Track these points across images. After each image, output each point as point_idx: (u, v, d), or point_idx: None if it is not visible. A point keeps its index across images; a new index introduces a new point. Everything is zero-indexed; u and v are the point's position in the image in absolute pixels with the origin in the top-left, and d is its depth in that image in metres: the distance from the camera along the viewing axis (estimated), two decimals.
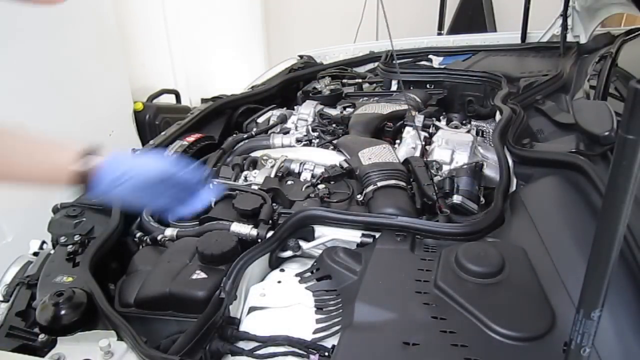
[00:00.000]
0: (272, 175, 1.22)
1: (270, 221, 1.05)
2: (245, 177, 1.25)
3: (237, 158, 1.34)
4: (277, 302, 0.89)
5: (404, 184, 1.14)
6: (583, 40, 1.84)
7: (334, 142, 1.38)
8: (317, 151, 1.35)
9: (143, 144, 1.45)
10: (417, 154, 1.30)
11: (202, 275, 0.90)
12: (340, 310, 0.84)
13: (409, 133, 1.36)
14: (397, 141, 1.38)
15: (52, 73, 2.02)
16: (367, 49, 2.10)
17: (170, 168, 0.84)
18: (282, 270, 0.99)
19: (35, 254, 1.07)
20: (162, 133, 1.46)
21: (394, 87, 1.77)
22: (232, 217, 1.06)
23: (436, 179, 1.17)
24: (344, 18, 3.31)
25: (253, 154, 1.37)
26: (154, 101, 2.73)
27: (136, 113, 2.57)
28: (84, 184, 0.79)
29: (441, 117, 1.48)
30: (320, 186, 1.16)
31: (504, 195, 1.05)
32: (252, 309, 0.89)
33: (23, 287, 0.95)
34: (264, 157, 1.32)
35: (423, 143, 1.33)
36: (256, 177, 1.22)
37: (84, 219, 1.10)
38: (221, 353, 0.81)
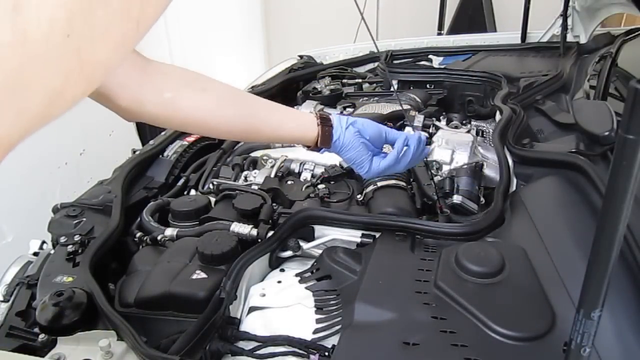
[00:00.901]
0: (272, 175, 1.22)
1: (270, 221, 1.05)
2: (245, 177, 1.25)
3: (237, 158, 1.34)
4: (277, 302, 0.89)
5: (403, 183, 1.14)
6: (583, 40, 1.84)
7: None
8: None
9: (143, 144, 1.45)
10: None
11: (202, 275, 0.90)
12: (340, 310, 0.84)
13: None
14: None
15: None
16: (367, 49, 2.10)
17: (383, 127, 0.96)
18: (282, 270, 0.99)
19: (35, 254, 1.07)
20: (162, 133, 1.46)
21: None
22: (232, 217, 1.06)
23: (436, 179, 1.17)
24: (344, 18, 3.30)
25: (253, 154, 1.37)
26: None
27: None
28: (327, 133, 0.90)
29: (441, 117, 1.48)
30: (320, 186, 1.16)
31: (504, 195, 1.05)
32: (252, 309, 0.89)
33: (23, 287, 0.95)
34: (264, 157, 1.32)
35: None
36: (256, 177, 1.22)
37: (84, 219, 1.09)
38: (221, 353, 0.81)
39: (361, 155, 0.92)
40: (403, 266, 0.89)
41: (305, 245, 1.01)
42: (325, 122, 0.91)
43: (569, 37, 1.86)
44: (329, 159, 1.29)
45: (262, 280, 0.97)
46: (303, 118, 0.92)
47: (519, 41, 2.00)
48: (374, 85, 1.86)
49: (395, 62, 1.95)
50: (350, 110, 1.57)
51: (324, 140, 0.91)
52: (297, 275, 0.95)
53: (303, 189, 1.18)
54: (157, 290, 0.88)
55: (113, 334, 0.80)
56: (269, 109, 0.92)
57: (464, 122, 1.50)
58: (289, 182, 1.22)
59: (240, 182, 1.24)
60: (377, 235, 0.99)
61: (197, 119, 0.84)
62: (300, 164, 1.27)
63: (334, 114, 0.94)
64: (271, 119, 0.91)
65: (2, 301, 0.96)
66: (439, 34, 2.98)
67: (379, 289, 0.84)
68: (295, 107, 1.62)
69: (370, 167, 0.93)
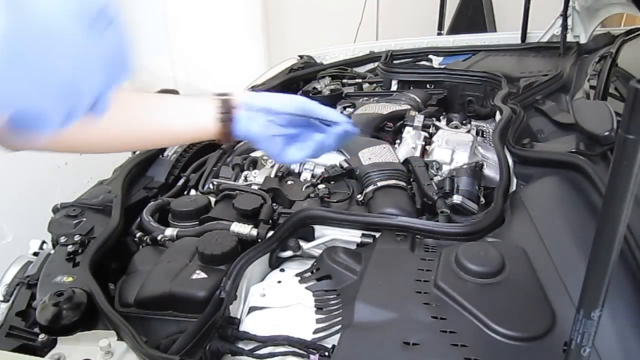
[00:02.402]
0: (272, 175, 1.22)
1: (270, 221, 1.05)
2: (245, 177, 1.25)
3: (237, 158, 1.34)
4: (277, 302, 0.89)
5: (404, 184, 1.14)
6: (583, 40, 1.84)
7: None
8: None
9: None
10: (417, 154, 1.30)
11: (202, 275, 0.90)
12: (341, 310, 0.84)
13: (409, 133, 1.36)
14: (397, 141, 1.38)
15: None
16: (367, 49, 2.10)
17: (308, 102, 0.85)
18: (282, 270, 0.99)
19: (35, 254, 1.07)
20: None
21: (394, 87, 1.77)
22: (232, 217, 1.06)
23: (436, 179, 1.17)
24: (344, 18, 3.30)
25: (253, 154, 1.37)
26: None
27: None
28: (228, 129, 0.80)
29: (441, 117, 1.48)
30: (320, 186, 1.16)
31: (504, 195, 1.05)
32: (252, 309, 0.89)
33: (23, 287, 0.95)
34: (264, 157, 1.32)
35: (423, 143, 1.33)
36: (256, 177, 1.22)
37: (84, 219, 1.09)
38: (221, 353, 0.81)
39: (270, 147, 0.84)
40: (403, 266, 0.89)
41: (305, 245, 1.02)
42: (226, 117, 0.81)
43: (569, 37, 1.86)
44: (329, 159, 1.29)
45: (262, 280, 0.97)
46: (199, 116, 0.81)
47: (519, 41, 2.00)
48: (374, 85, 1.86)
49: (395, 62, 1.95)
50: (350, 110, 1.57)
51: (226, 138, 0.83)
52: (297, 275, 0.95)
53: (303, 189, 1.18)
54: (157, 290, 0.88)
55: (113, 334, 0.80)
56: (156, 111, 0.80)
57: (464, 122, 1.50)
58: (289, 182, 1.22)
59: (240, 182, 1.24)
60: (377, 235, 0.99)
61: (75, 142, 0.73)
62: (300, 164, 1.27)
63: (243, 99, 0.83)
64: (161, 121, 0.80)
65: (2, 301, 0.96)
66: (439, 34, 2.98)
67: (379, 289, 0.84)
68: None
69: (283, 160, 0.87)
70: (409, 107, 1.50)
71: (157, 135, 0.81)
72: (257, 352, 0.79)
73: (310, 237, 1.03)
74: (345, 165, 1.22)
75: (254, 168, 1.29)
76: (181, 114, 0.81)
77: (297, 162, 0.88)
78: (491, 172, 1.20)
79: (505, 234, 0.95)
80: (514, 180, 1.12)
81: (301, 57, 2.10)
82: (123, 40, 0.51)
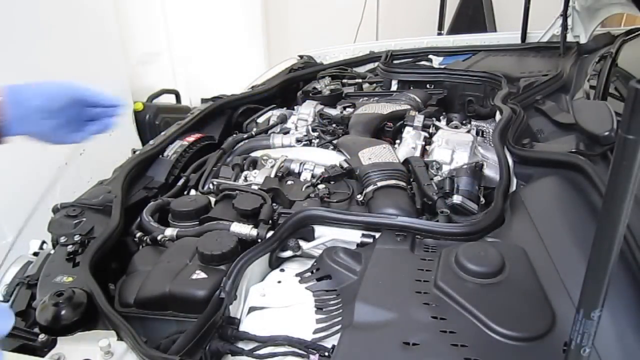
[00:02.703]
0: (272, 175, 1.22)
1: (270, 221, 1.05)
2: (245, 177, 1.25)
3: (237, 158, 1.34)
4: (277, 302, 0.89)
5: (404, 184, 1.14)
6: (583, 40, 1.85)
7: (334, 142, 1.39)
8: (317, 151, 1.35)
9: (143, 144, 1.45)
10: (417, 154, 1.30)
11: (202, 275, 0.90)
12: (340, 310, 0.84)
13: (409, 133, 1.36)
14: (397, 141, 1.38)
15: (51, 74, 2.02)
16: (367, 49, 2.10)
17: (78, 90, 0.84)
18: (282, 270, 0.99)
19: (35, 254, 1.07)
20: (162, 133, 1.46)
21: (394, 87, 1.77)
22: (232, 217, 1.06)
23: (436, 179, 1.17)
24: (344, 18, 3.31)
25: (253, 154, 1.37)
26: (154, 101, 2.74)
27: (136, 113, 2.58)
28: None
29: (441, 117, 1.48)
30: (320, 186, 1.16)
31: (504, 195, 1.05)
32: (252, 309, 0.89)
33: (23, 287, 0.96)
34: (264, 157, 1.32)
35: (423, 143, 1.33)
36: (256, 177, 1.22)
37: (84, 219, 1.09)
38: (221, 353, 0.81)
39: (49, 138, 0.83)
40: (403, 266, 0.89)
41: (305, 245, 1.02)
42: None
43: (569, 37, 1.86)
44: (329, 159, 1.29)
45: (262, 280, 0.97)
46: None
47: (519, 41, 2.01)
48: (374, 85, 1.86)
49: (395, 62, 1.95)
50: (350, 110, 1.57)
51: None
52: (297, 275, 0.95)
53: (303, 189, 1.18)
54: (157, 290, 0.88)
55: (113, 334, 0.80)
56: None
57: (464, 122, 1.50)
58: (289, 182, 1.22)
59: (240, 182, 1.24)
60: (377, 235, 0.99)
61: None
62: (300, 164, 1.27)
63: (12, 101, 0.78)
64: None
65: (2, 301, 0.96)
66: (439, 34, 2.99)
67: (379, 289, 0.84)
68: (295, 107, 1.62)
69: (67, 142, 0.85)
70: (409, 107, 1.50)
71: None
72: (257, 352, 0.79)
73: (310, 237, 1.03)
74: (345, 165, 1.22)
75: (254, 168, 1.30)
76: None
77: (79, 142, 0.87)
78: (491, 172, 1.20)
79: (505, 234, 0.95)
80: (514, 180, 1.12)
81: (301, 57, 2.10)
82: None
